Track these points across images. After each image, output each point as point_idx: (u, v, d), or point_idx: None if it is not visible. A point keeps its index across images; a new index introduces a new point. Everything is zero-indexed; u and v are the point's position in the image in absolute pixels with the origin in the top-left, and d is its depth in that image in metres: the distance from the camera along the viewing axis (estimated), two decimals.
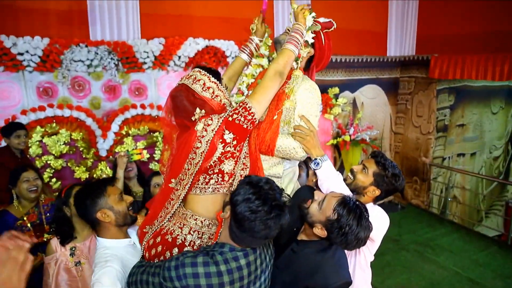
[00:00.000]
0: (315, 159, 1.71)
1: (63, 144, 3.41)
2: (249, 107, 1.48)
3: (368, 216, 1.48)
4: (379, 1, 5.39)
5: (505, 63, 4.43)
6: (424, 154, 5.74)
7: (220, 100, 1.54)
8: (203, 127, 1.46)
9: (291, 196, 1.83)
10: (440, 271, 3.97)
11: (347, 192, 1.69)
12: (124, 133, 3.62)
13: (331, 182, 1.71)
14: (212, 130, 1.45)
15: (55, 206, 2.09)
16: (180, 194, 1.47)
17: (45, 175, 3.34)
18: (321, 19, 1.88)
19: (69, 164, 3.47)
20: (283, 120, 1.70)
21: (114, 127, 3.51)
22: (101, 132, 3.49)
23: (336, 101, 4.88)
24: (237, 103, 1.57)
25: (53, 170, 3.40)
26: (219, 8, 4.07)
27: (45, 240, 2.24)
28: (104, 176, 3.43)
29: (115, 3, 3.55)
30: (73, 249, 1.96)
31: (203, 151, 1.44)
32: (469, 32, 4.95)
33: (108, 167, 3.52)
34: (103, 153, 3.50)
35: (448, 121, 5.76)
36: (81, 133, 3.45)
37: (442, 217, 5.50)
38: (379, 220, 1.77)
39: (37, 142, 3.31)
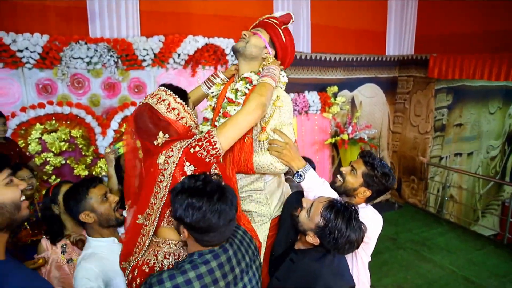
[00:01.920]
0: (297, 172, 1.65)
1: (62, 142, 3.41)
2: (214, 141, 1.38)
3: (358, 217, 1.45)
4: (378, 0, 5.40)
5: (503, 63, 4.45)
6: (421, 153, 5.77)
7: (186, 122, 1.45)
8: (165, 160, 1.38)
9: (282, 207, 1.82)
10: (436, 269, 4.01)
11: (335, 197, 1.64)
12: (123, 130, 3.62)
13: (318, 191, 1.66)
14: (173, 162, 1.36)
15: (43, 204, 2.09)
16: (150, 230, 1.41)
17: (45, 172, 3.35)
18: (278, 13, 1.81)
19: (68, 161, 3.47)
20: (255, 139, 1.66)
21: (114, 124, 3.51)
22: (101, 129, 3.49)
23: (335, 100, 4.90)
24: (202, 132, 1.49)
25: (53, 168, 3.40)
26: (219, 6, 4.07)
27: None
28: (104, 173, 3.44)
29: (114, 1, 3.54)
30: (64, 246, 1.97)
31: (166, 185, 1.37)
32: (468, 32, 4.97)
33: (107, 165, 3.52)
34: (102, 151, 3.50)
35: (446, 120, 5.79)
36: (80, 131, 3.45)
37: (438, 216, 5.53)
38: (372, 221, 1.75)
39: (37, 139, 3.31)
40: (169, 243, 1.42)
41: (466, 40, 5.00)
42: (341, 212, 1.41)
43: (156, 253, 1.40)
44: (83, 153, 3.52)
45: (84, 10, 3.47)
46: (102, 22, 3.55)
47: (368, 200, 1.85)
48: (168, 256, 1.40)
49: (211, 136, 1.39)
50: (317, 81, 4.91)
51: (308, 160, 2.96)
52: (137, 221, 1.44)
